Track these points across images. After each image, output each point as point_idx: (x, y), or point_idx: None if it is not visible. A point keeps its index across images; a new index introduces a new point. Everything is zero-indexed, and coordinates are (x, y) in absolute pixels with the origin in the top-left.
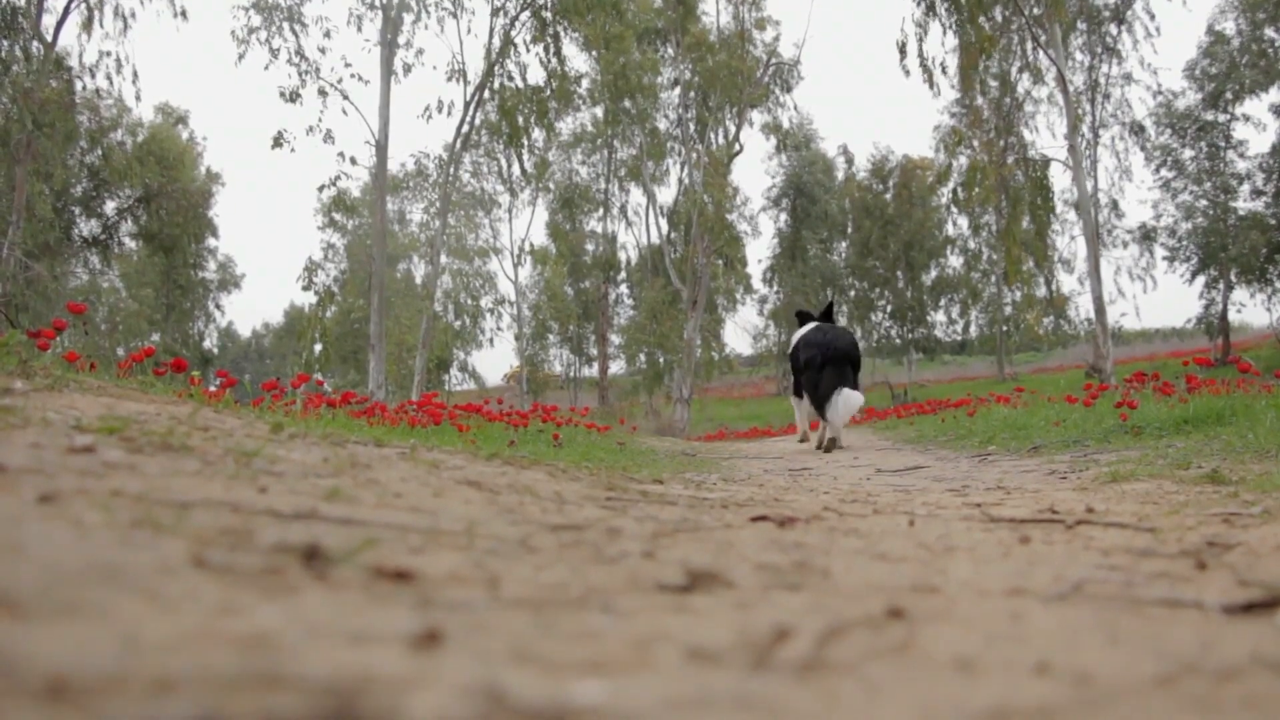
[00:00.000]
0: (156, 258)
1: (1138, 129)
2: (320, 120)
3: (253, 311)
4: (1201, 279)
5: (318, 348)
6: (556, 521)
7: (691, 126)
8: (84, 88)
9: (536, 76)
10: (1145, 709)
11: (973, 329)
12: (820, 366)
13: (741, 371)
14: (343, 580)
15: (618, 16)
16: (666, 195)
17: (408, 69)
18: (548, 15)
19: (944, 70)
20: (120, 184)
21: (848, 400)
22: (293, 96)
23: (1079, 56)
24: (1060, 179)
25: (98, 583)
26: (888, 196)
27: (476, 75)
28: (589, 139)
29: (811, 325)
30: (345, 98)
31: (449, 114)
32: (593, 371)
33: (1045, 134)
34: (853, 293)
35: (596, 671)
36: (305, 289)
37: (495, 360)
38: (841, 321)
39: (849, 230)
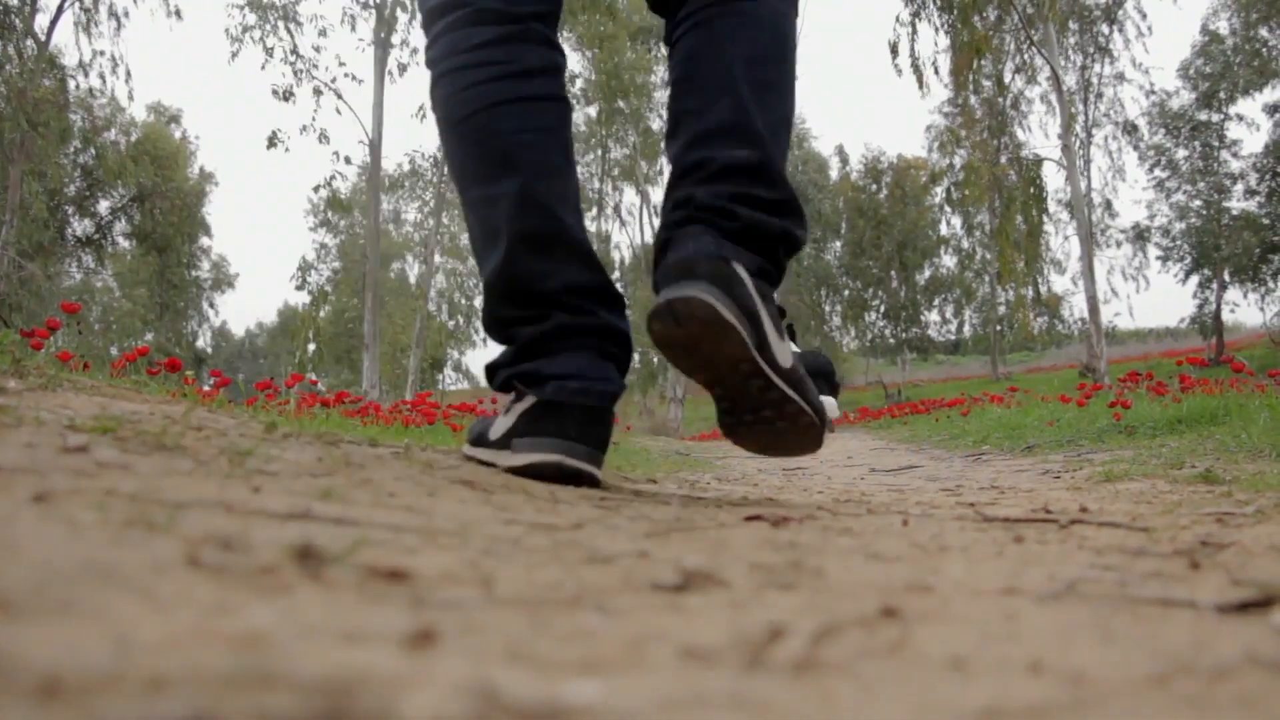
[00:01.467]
0: (150, 257)
1: (1131, 128)
2: (314, 120)
3: (246, 311)
4: (1195, 279)
5: (311, 347)
6: (551, 521)
7: None
8: (77, 87)
9: None
10: (1139, 708)
11: (966, 329)
12: None
13: None
14: (336, 580)
15: (611, 16)
16: (660, 195)
17: (402, 69)
18: None
19: (935, 70)
20: (114, 183)
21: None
22: (286, 95)
23: (1071, 56)
24: (1054, 178)
25: (92, 582)
26: (881, 196)
27: None
28: (582, 139)
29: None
30: (339, 97)
31: None
32: None
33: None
34: (846, 292)
35: (590, 671)
36: (299, 289)
37: (490, 360)
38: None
39: (843, 230)
